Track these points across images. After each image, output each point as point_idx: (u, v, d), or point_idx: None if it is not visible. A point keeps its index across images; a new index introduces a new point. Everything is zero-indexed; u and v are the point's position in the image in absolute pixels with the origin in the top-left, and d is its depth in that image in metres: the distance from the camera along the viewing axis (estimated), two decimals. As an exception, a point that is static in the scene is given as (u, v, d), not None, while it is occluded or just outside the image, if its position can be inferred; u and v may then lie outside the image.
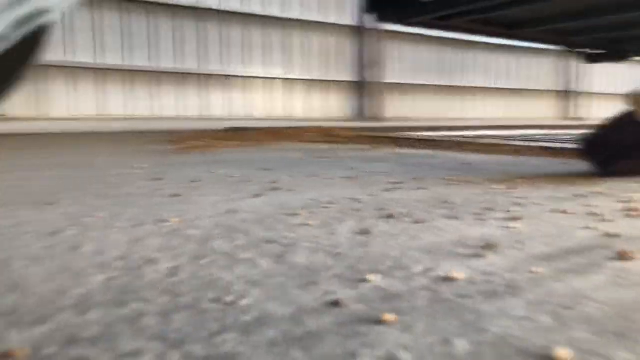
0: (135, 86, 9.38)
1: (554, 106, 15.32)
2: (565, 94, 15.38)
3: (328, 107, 11.51)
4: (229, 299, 0.74)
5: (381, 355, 0.57)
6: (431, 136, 5.08)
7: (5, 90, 0.51)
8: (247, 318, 0.67)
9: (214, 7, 9.83)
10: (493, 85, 13.79)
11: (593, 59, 4.73)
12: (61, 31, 8.52)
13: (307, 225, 1.21)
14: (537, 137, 5.17)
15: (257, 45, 10.51)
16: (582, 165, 2.31)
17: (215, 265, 0.89)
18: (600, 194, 1.69)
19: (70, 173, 2.18)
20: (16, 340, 0.60)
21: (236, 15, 10.12)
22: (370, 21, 10.79)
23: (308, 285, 0.80)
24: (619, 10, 2.88)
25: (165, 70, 9.57)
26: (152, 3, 9.29)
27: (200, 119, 9.79)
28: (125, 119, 9.06)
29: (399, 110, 12.36)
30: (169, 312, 0.69)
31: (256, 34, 10.45)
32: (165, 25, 9.52)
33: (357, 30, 11.58)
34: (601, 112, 12.72)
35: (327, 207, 1.44)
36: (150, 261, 0.92)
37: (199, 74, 9.93)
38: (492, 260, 0.93)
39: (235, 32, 10.21)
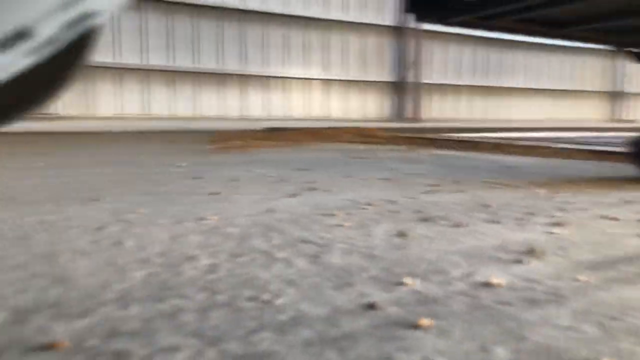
0: (177, 86, 9.62)
1: (601, 108, 14.76)
2: (613, 95, 14.80)
3: (366, 108, 11.47)
4: (265, 297, 0.75)
5: (417, 360, 0.56)
6: (471, 137, 4.98)
7: (56, 90, 0.54)
8: (283, 317, 0.68)
9: (256, 9, 9.97)
10: (535, 86, 13.40)
11: (643, 59, 4.52)
12: (109, 33, 8.83)
13: (343, 226, 1.21)
14: (583, 139, 4.98)
15: (297, 46, 10.59)
16: (630, 170, 2.22)
17: (252, 264, 0.90)
18: (651, 199, 1.61)
19: (115, 170, 2.25)
20: (60, 332, 0.63)
21: (276, 16, 10.23)
22: (409, 21, 10.68)
23: (343, 287, 0.79)
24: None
25: (207, 71, 9.78)
26: (195, 5, 9.51)
27: (240, 119, 9.94)
28: (168, 119, 9.30)
29: (438, 111, 12.19)
30: (207, 309, 0.70)
31: (295, 34, 10.54)
32: (207, 27, 9.73)
33: (396, 31, 11.49)
34: (653, 114, 12.18)
35: (363, 209, 1.43)
36: (190, 258, 0.93)
37: (239, 75, 10.09)
38: (534, 267, 0.90)
39: (275, 33, 10.32)
